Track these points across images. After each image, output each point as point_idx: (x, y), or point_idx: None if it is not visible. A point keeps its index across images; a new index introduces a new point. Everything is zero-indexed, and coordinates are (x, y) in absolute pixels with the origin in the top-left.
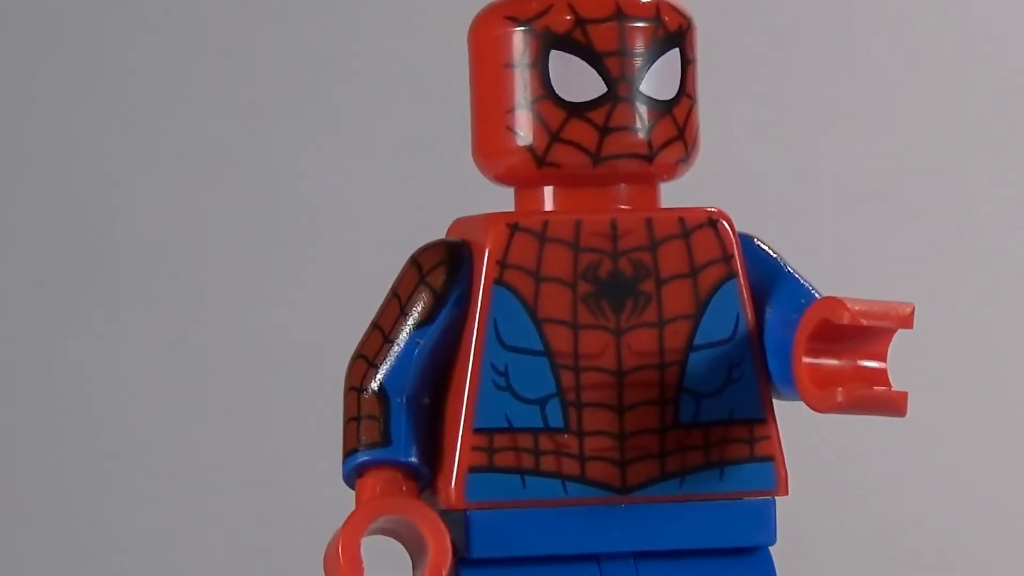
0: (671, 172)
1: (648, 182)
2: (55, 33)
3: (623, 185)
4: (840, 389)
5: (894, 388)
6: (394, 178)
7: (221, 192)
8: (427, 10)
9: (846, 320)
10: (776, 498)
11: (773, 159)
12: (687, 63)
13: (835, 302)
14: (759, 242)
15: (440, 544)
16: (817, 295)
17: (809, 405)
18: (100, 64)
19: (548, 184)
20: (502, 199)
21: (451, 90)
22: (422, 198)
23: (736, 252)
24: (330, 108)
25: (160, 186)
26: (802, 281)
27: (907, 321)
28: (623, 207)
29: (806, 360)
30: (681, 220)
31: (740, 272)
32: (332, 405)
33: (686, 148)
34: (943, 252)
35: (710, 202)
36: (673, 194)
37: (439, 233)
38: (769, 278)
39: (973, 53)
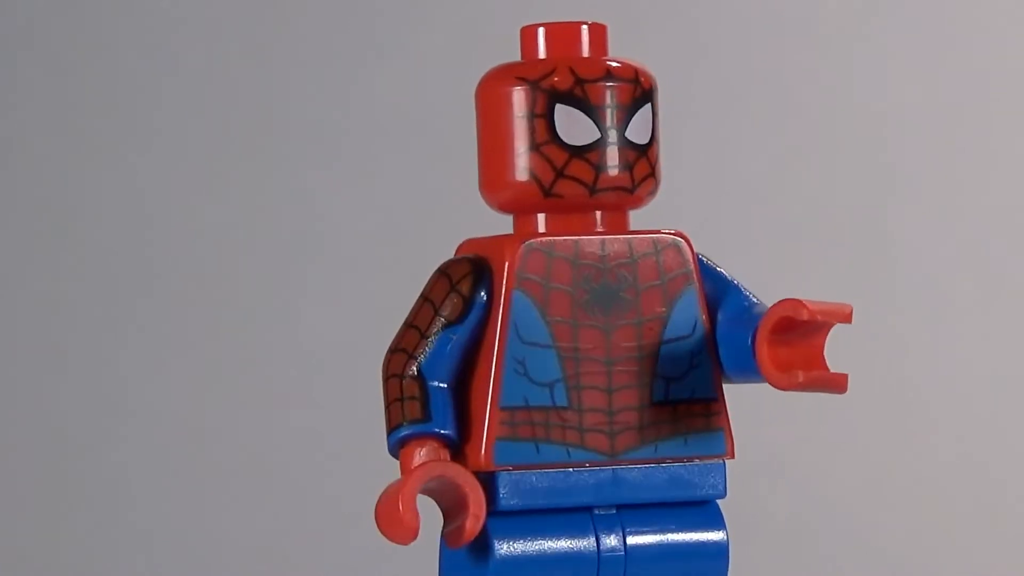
0: (644, 202)
1: (623, 209)
2: (81, 53)
3: (601, 212)
4: (800, 371)
5: (834, 371)
6: (404, 205)
7: (246, 216)
8: (435, 55)
9: (805, 317)
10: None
11: (714, 190)
12: (655, 114)
13: (796, 302)
14: (707, 259)
15: (478, 498)
16: (755, 299)
17: (773, 384)
18: (128, 84)
19: (549, 212)
20: (497, 223)
21: (456, 130)
22: (425, 223)
23: (694, 266)
24: (347, 142)
25: (181, 197)
26: (743, 289)
27: (848, 318)
28: (599, 230)
29: (769, 349)
30: (654, 241)
31: (697, 282)
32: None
33: (656, 182)
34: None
35: (663, 225)
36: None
37: (443, 251)
38: (718, 287)
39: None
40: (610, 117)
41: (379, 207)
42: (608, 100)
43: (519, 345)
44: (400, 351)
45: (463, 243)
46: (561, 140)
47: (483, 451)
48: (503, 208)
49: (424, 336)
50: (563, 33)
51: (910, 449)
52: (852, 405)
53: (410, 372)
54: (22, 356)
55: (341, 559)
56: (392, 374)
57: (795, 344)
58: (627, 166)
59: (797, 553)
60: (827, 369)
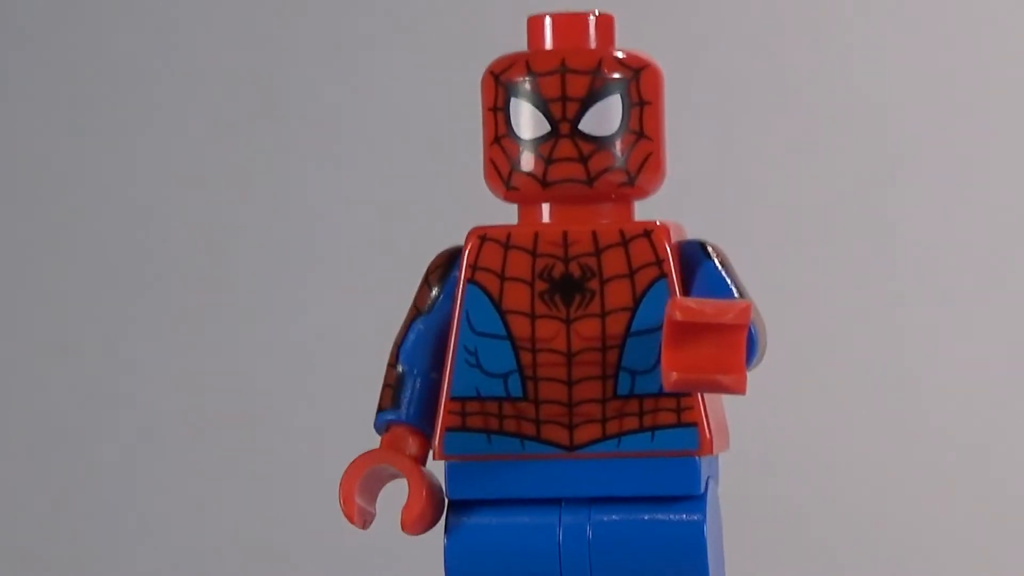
0: (617, 193)
1: (596, 201)
2: (89, 59)
3: (603, 203)
4: (674, 372)
5: (741, 373)
6: (419, 194)
7: (253, 210)
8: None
9: (678, 317)
10: (719, 455)
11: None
12: (633, 105)
13: (672, 302)
14: (707, 246)
15: (415, 488)
16: (735, 295)
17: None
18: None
19: (514, 203)
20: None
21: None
22: (445, 210)
23: (668, 257)
24: (359, 133)
25: (182, 184)
26: (727, 281)
27: (740, 317)
28: (574, 222)
29: (670, 351)
30: (621, 232)
31: (672, 273)
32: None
33: (628, 175)
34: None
35: (692, 215)
36: (666, 210)
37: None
38: (697, 278)
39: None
40: (563, 109)
41: (393, 196)
42: (560, 92)
43: (471, 336)
44: (395, 341)
45: (472, 229)
46: (515, 133)
47: (436, 441)
48: (498, 198)
49: (404, 326)
50: (563, 24)
51: (910, 437)
52: (852, 393)
53: (393, 361)
54: (20, 348)
55: (347, 548)
56: (387, 362)
57: (703, 345)
58: (581, 159)
59: (794, 542)
60: (728, 372)
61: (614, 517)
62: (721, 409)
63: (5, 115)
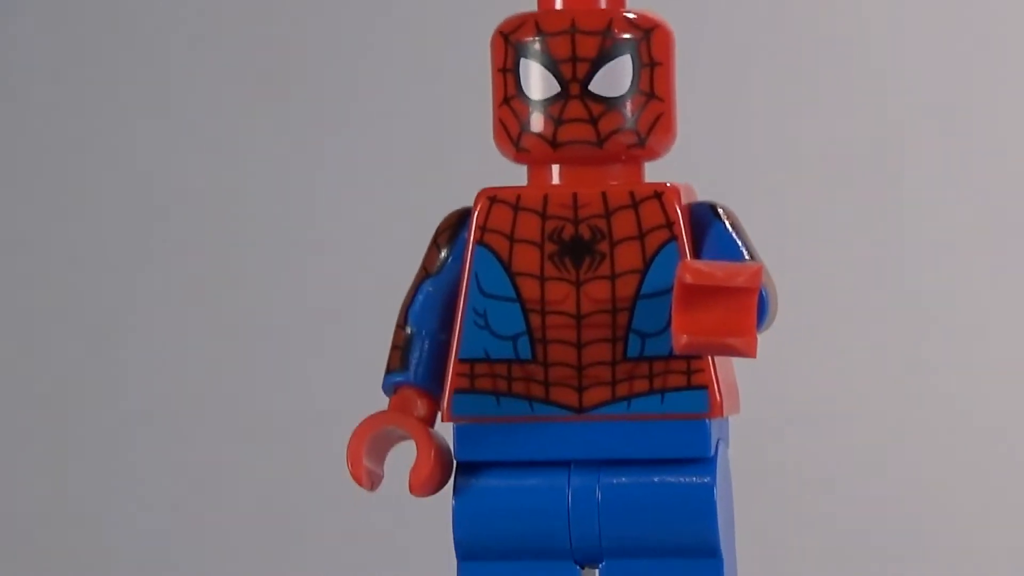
0: (627, 155)
1: (606, 163)
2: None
3: (614, 165)
4: (684, 335)
5: (751, 336)
6: (428, 155)
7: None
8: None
9: (689, 280)
10: (729, 418)
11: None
12: (643, 66)
13: (682, 265)
14: (718, 208)
15: (423, 450)
16: (746, 257)
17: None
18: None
19: (524, 164)
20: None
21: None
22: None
23: (679, 219)
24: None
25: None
26: (738, 244)
27: (751, 280)
28: (584, 184)
29: (680, 314)
30: (631, 194)
31: (682, 235)
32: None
33: (638, 136)
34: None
35: (703, 177)
36: (676, 172)
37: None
38: (708, 240)
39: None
40: (573, 70)
41: (402, 157)
42: (570, 53)
43: (480, 298)
44: (404, 302)
45: (481, 191)
46: (525, 94)
47: (444, 403)
48: (508, 159)
49: (413, 287)
50: None
51: (920, 399)
52: (862, 355)
53: (401, 322)
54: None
55: (355, 511)
56: (396, 323)
57: (714, 308)
58: (591, 120)
59: (803, 504)
60: (739, 335)
61: (623, 479)
62: (731, 372)
63: (4, 90)
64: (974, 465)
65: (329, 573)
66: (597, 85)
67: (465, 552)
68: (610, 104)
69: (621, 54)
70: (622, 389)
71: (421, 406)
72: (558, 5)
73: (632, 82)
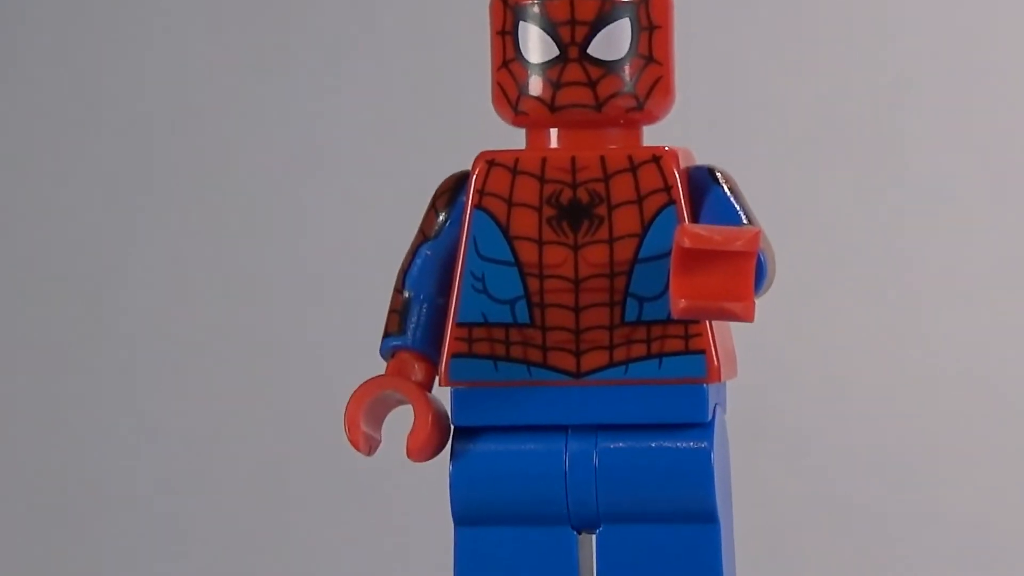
0: (625, 118)
1: (605, 126)
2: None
3: (611, 128)
4: (682, 299)
5: (749, 300)
6: (426, 118)
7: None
8: None
9: (687, 244)
10: (727, 383)
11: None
12: (642, 29)
13: (680, 229)
14: (716, 172)
15: (421, 414)
16: (744, 221)
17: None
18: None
19: (522, 127)
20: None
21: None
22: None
23: (677, 183)
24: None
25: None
26: (736, 208)
27: (750, 244)
28: (583, 147)
29: (678, 278)
30: (629, 157)
31: (680, 199)
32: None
33: (637, 99)
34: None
35: (701, 140)
36: (675, 136)
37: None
38: (706, 204)
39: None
40: (571, 33)
41: (400, 120)
42: (569, 16)
43: (478, 262)
44: (401, 266)
45: (480, 154)
46: (524, 57)
47: (442, 367)
48: (506, 122)
49: (411, 251)
50: None
51: (918, 364)
52: (860, 320)
53: (399, 286)
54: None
55: (352, 475)
56: (394, 287)
57: (712, 272)
58: (590, 83)
59: (801, 470)
60: (736, 299)
61: (620, 444)
62: (729, 336)
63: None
64: (973, 424)
65: (326, 538)
66: (596, 48)
67: (462, 517)
68: (609, 68)
69: (620, 17)
70: (620, 354)
71: (419, 370)
72: None
73: (631, 45)
